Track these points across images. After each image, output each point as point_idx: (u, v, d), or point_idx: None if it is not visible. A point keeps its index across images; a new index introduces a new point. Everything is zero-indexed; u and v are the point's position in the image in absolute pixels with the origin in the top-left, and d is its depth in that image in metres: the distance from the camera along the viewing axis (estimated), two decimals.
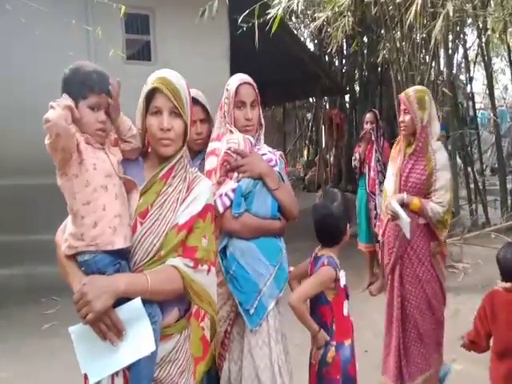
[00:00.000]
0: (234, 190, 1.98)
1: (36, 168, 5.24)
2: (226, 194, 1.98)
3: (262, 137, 2.22)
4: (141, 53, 6.64)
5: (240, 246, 1.99)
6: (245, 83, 2.10)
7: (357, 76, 10.88)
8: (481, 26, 6.50)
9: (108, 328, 1.35)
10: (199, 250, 1.52)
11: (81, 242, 1.38)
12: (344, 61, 10.92)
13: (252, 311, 1.96)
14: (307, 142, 13.30)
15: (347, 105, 11.36)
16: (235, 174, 2.01)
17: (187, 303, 1.59)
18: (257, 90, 2.13)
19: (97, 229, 1.38)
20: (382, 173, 4.68)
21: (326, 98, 11.40)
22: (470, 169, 7.20)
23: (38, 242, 5.17)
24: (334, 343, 2.04)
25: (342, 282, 2.08)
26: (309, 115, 13.67)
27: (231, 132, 2.08)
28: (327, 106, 11.56)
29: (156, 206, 1.49)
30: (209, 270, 1.56)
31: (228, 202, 1.97)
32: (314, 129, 12.46)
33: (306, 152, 13.48)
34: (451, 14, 3.94)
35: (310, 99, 12.55)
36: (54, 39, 5.40)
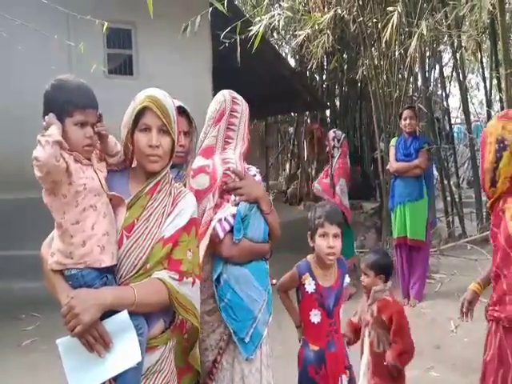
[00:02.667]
0: (234, 215, 1.91)
1: (11, 182, 5.20)
2: (226, 219, 1.91)
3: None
4: (122, 67, 6.67)
5: (235, 273, 1.93)
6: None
7: (337, 91, 11.10)
8: (455, 44, 6.75)
9: (95, 340, 1.37)
10: (184, 262, 1.56)
11: (69, 260, 1.40)
12: (324, 76, 11.13)
13: (247, 339, 1.90)
14: (289, 155, 13.42)
15: (328, 119, 11.55)
16: (232, 197, 1.95)
17: (172, 315, 1.62)
18: None
19: (85, 247, 1.40)
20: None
21: (307, 112, 11.57)
22: (446, 182, 7.39)
23: (18, 257, 5.10)
24: (302, 337, 2.18)
25: (309, 289, 2.12)
26: (291, 129, 13.82)
27: (224, 149, 2.01)
28: (308, 121, 11.73)
29: (142, 219, 1.53)
30: (193, 283, 1.59)
31: (228, 227, 1.91)
32: (295, 143, 12.60)
33: (287, 166, 13.60)
34: (425, 33, 4.09)
35: (292, 114, 12.71)
36: (36, 54, 5.40)
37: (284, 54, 11.70)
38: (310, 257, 2.20)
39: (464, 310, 2.28)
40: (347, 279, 2.24)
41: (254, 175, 2.07)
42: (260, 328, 1.94)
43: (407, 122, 4.59)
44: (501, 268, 2.08)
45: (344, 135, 5.61)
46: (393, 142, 4.87)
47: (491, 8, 3.70)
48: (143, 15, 5.35)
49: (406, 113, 4.64)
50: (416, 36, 4.22)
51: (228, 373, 1.93)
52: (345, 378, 2.13)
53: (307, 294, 2.12)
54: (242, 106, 2.07)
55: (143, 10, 4.85)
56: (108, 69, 6.15)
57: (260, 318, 1.94)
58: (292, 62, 11.47)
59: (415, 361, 2.38)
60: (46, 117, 1.40)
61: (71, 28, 5.56)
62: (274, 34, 11.13)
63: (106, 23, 3.80)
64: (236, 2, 8.74)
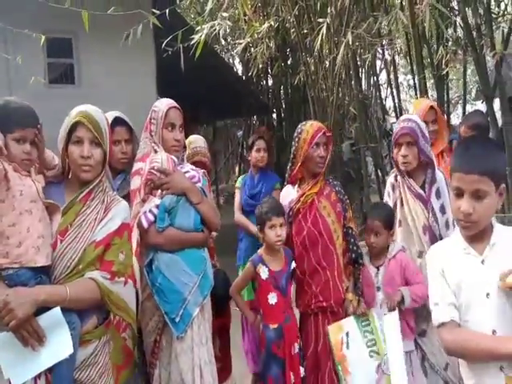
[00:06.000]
0: (157, 206, 2.11)
1: None
2: (150, 211, 2.10)
3: (185, 156, 2.43)
4: (64, 76, 6.64)
5: (165, 259, 2.11)
6: (174, 107, 2.27)
7: (282, 95, 11.43)
8: (388, 49, 7.22)
9: (29, 334, 1.51)
10: (116, 263, 1.72)
11: (5, 260, 1.53)
12: (270, 81, 11.44)
13: (178, 319, 2.07)
14: (238, 158, 13.67)
15: (275, 122, 11.88)
16: (159, 192, 2.14)
17: (105, 312, 1.77)
18: (182, 116, 2.32)
19: (21, 248, 1.54)
20: None
21: (255, 116, 11.85)
22: (382, 176, 7.91)
23: None
24: (262, 323, 2.44)
25: (263, 276, 2.40)
26: (240, 133, 14.07)
27: (155, 151, 2.23)
28: (256, 124, 12.03)
29: (75, 225, 1.68)
30: (126, 282, 1.75)
31: (152, 218, 2.09)
32: (244, 146, 12.86)
33: (237, 168, 13.84)
34: (351, 42, 4.42)
35: (240, 117, 12.96)
36: None
37: (232, 60, 11.94)
38: (260, 250, 2.47)
39: None
40: (293, 264, 2.49)
41: (187, 172, 2.26)
42: (190, 308, 2.11)
43: (260, 154, 3.47)
44: (321, 262, 2.46)
45: None
46: (238, 181, 3.67)
47: (405, 20, 4.06)
48: (83, 24, 5.38)
49: (257, 144, 3.49)
50: (343, 45, 4.54)
51: (167, 351, 2.13)
52: (296, 346, 2.42)
53: (263, 281, 2.40)
54: (158, 113, 2.24)
55: (83, 19, 4.90)
56: (49, 78, 6.11)
57: (190, 300, 2.11)
58: (240, 67, 11.73)
59: None
60: None
61: (9, 39, 5.50)
62: (222, 40, 11.32)
63: (43, 36, 3.83)
64: (180, 10, 8.85)
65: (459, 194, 1.44)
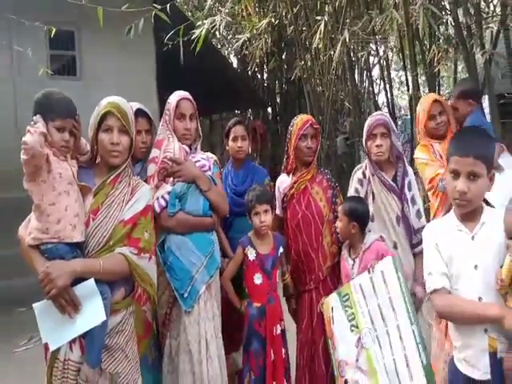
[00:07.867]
0: (169, 193, 2.32)
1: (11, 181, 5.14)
2: (162, 197, 2.31)
3: (199, 146, 2.58)
4: (66, 68, 6.72)
5: (175, 240, 2.31)
6: (185, 98, 2.46)
7: (278, 89, 11.57)
8: (381, 46, 7.39)
9: (66, 303, 1.69)
10: (142, 241, 1.90)
11: (46, 235, 1.71)
12: (266, 75, 11.58)
13: (186, 295, 2.28)
14: None
15: (270, 116, 12.02)
16: (171, 179, 2.37)
17: (132, 285, 1.96)
18: (195, 106, 2.49)
19: (60, 225, 1.72)
20: None
21: (250, 109, 11.99)
22: None
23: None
24: (247, 300, 2.60)
25: (251, 257, 2.57)
26: None
27: (169, 139, 2.42)
28: (251, 118, 12.17)
29: (105, 205, 1.86)
30: (150, 258, 1.94)
31: (164, 203, 2.31)
32: None
33: None
34: (347, 40, 4.59)
35: (236, 111, 13.07)
36: None
37: (227, 53, 12.03)
38: (249, 233, 2.62)
39: None
40: (281, 249, 2.66)
41: (198, 161, 2.46)
42: (198, 286, 2.32)
43: (237, 143, 2.89)
44: (313, 242, 2.66)
45: None
46: None
47: (400, 19, 4.24)
48: (86, 16, 5.46)
49: (235, 131, 2.90)
50: (340, 42, 4.72)
51: (177, 323, 2.34)
52: (279, 328, 2.58)
53: (250, 262, 2.56)
54: (171, 105, 2.45)
55: (86, 12, 4.99)
56: (51, 70, 6.19)
57: (198, 278, 2.32)
58: (235, 61, 11.83)
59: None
60: (35, 117, 1.73)
61: (13, 30, 5.57)
62: (217, 34, 11.38)
63: (53, 29, 3.94)
64: (177, 3, 8.94)
65: (456, 175, 1.62)
